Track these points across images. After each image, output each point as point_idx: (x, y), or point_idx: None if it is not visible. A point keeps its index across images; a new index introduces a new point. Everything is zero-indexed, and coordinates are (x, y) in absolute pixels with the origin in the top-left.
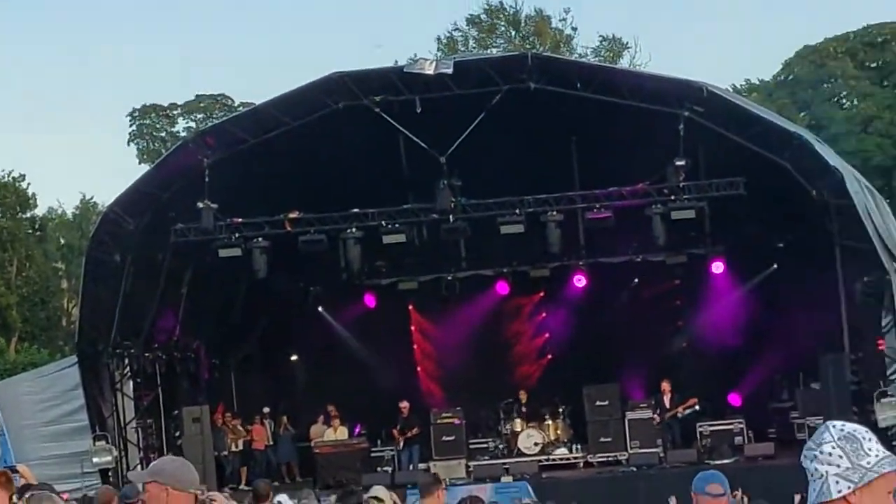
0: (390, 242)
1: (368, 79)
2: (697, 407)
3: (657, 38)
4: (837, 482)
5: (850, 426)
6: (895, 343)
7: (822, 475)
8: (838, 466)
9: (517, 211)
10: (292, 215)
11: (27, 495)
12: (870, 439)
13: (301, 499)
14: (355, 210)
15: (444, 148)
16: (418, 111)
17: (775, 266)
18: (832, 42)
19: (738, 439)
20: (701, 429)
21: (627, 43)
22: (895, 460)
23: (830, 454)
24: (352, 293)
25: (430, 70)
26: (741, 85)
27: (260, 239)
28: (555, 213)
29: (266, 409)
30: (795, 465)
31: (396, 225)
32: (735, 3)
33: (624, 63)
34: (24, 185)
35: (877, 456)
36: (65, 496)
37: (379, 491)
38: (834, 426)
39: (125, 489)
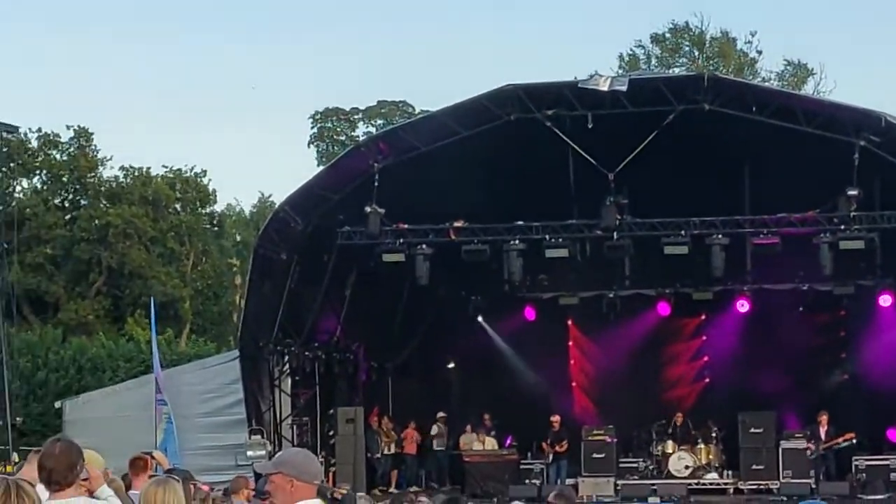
0: (553, 257)
1: (542, 92)
2: (854, 440)
3: (845, 64)
4: None
5: None
6: None
7: None
8: None
9: (682, 232)
10: (457, 224)
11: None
12: None
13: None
14: (520, 223)
15: (612, 165)
16: (590, 126)
17: None
18: None
19: (893, 475)
20: (856, 463)
21: (813, 69)
22: None
23: None
24: (512, 305)
25: (604, 86)
26: None
27: (424, 246)
28: (720, 236)
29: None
30: None
31: (560, 239)
32: None
33: (808, 89)
34: (205, 180)
35: None
36: (205, 487)
37: None
38: None
39: (259, 483)
